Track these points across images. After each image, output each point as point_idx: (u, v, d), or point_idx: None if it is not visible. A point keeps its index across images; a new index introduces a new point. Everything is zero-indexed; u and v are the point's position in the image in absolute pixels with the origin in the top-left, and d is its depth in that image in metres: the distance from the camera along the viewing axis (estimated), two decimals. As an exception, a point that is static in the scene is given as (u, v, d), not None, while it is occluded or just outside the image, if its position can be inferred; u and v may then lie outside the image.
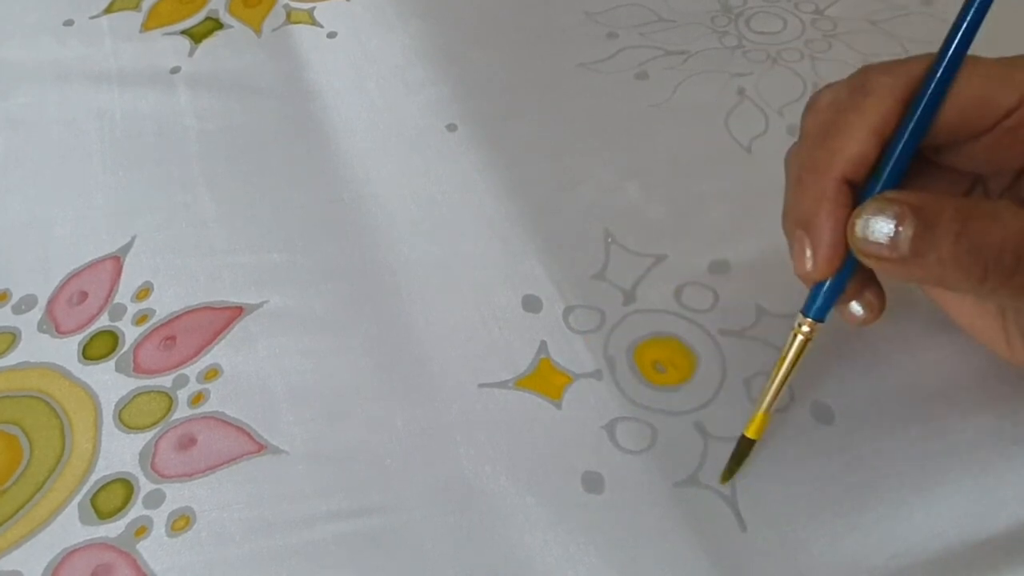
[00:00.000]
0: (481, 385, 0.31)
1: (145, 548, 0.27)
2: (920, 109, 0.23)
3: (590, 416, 0.30)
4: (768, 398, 0.27)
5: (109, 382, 0.32)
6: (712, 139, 0.39)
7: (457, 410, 0.30)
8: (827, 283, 0.25)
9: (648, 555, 0.27)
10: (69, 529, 0.28)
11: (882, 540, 0.26)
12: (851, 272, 0.24)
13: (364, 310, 0.33)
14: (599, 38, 0.44)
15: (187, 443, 0.30)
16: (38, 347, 0.33)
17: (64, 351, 0.33)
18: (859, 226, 0.22)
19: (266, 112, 0.42)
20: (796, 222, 0.24)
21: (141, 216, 0.37)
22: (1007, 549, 0.26)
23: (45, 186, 0.39)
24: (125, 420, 0.31)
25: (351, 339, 0.33)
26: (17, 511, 0.29)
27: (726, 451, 0.28)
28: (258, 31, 0.47)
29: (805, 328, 0.25)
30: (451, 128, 0.40)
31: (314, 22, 0.47)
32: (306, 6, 0.48)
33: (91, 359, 0.33)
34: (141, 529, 0.28)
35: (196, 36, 0.46)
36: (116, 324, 0.34)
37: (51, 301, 0.35)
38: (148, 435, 0.30)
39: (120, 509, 0.28)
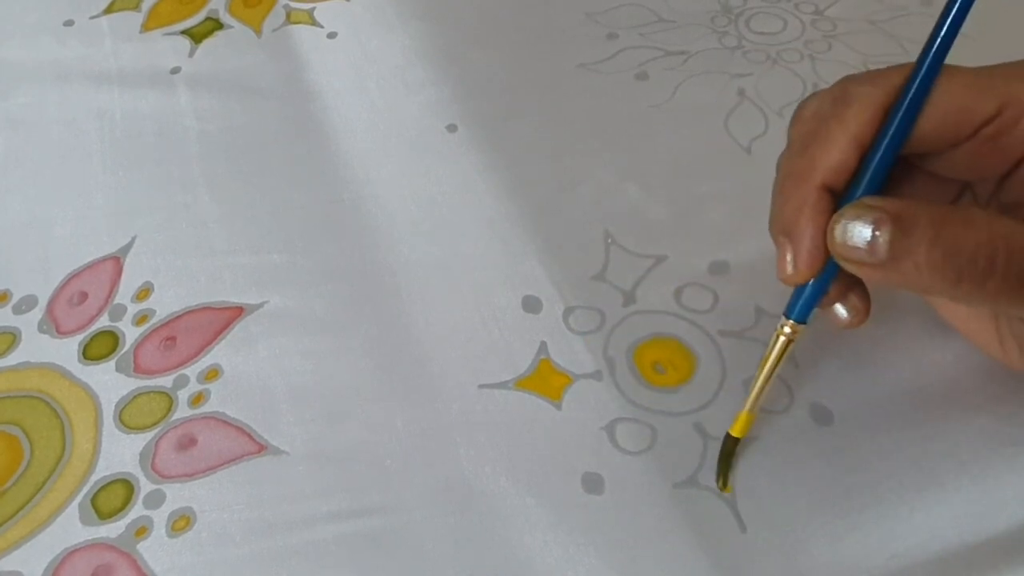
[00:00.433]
0: (481, 386, 0.31)
1: (145, 548, 0.27)
2: (899, 118, 0.24)
3: (590, 417, 0.30)
4: (752, 397, 0.27)
5: (109, 382, 0.32)
6: (712, 140, 0.39)
7: (457, 411, 0.30)
8: (808, 286, 0.25)
9: (648, 556, 0.27)
10: (69, 529, 0.28)
11: (882, 540, 0.26)
12: (832, 276, 0.25)
13: (364, 311, 0.33)
14: (599, 38, 0.44)
15: (187, 443, 0.30)
16: (38, 347, 0.33)
17: (64, 351, 0.33)
18: (838, 231, 0.23)
19: (266, 112, 0.42)
20: (778, 229, 0.25)
21: (141, 216, 0.37)
22: (1007, 549, 0.26)
23: (45, 186, 0.39)
24: (125, 420, 0.31)
25: (351, 340, 0.33)
26: (17, 511, 0.29)
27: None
28: (258, 31, 0.47)
29: (787, 329, 0.26)
30: (451, 129, 0.40)
31: (314, 22, 0.47)
32: (306, 6, 0.48)
33: (91, 359, 0.33)
34: (141, 529, 0.28)
35: (196, 36, 0.46)
36: (116, 324, 0.34)
37: (51, 301, 0.35)
38: (148, 435, 0.30)
39: (120, 509, 0.28)
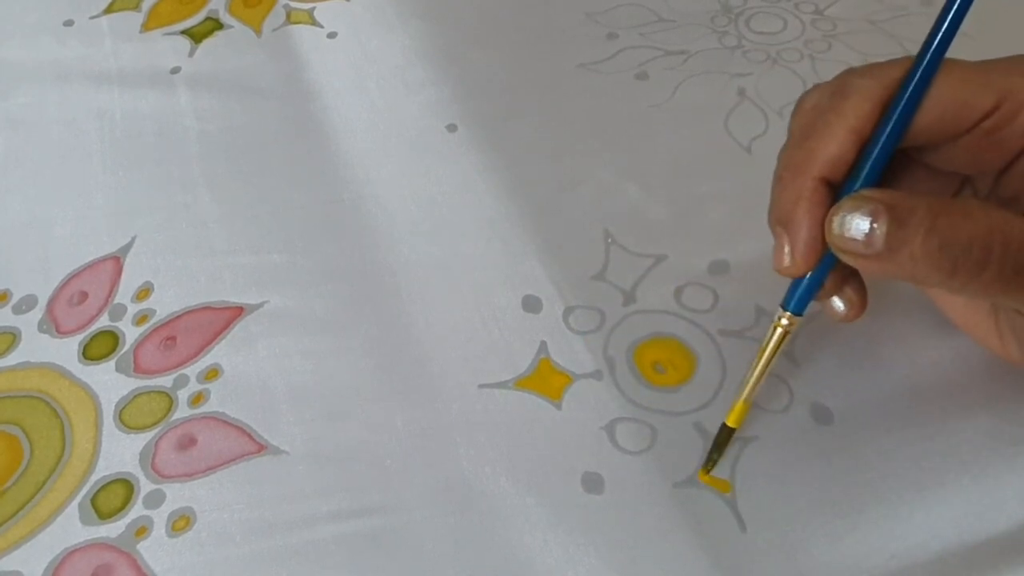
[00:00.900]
0: (481, 386, 0.31)
1: (145, 548, 0.27)
2: (898, 111, 0.24)
3: (590, 417, 0.30)
4: (748, 388, 0.27)
5: (109, 382, 0.32)
6: (712, 139, 0.39)
7: (457, 411, 0.30)
8: (805, 279, 0.25)
9: (648, 555, 0.27)
10: (69, 529, 0.28)
11: (882, 540, 0.26)
12: (829, 268, 0.25)
13: (364, 311, 0.33)
14: (599, 38, 0.44)
15: (187, 443, 0.30)
16: (38, 347, 0.33)
17: (64, 351, 0.33)
18: (836, 223, 0.23)
19: (266, 112, 0.42)
20: (776, 220, 0.25)
21: (141, 216, 0.37)
22: (1007, 549, 0.26)
23: (45, 186, 0.39)
24: (125, 420, 0.31)
25: (351, 340, 0.33)
26: (17, 511, 0.29)
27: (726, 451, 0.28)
28: (258, 31, 0.47)
29: (784, 321, 0.26)
30: (451, 128, 0.40)
31: (314, 22, 0.47)
32: (306, 6, 0.48)
33: (91, 359, 0.33)
34: (141, 529, 0.28)
35: (196, 36, 0.46)
36: (116, 324, 0.34)
37: (51, 301, 0.35)
38: (148, 435, 0.30)
39: (120, 509, 0.28)
